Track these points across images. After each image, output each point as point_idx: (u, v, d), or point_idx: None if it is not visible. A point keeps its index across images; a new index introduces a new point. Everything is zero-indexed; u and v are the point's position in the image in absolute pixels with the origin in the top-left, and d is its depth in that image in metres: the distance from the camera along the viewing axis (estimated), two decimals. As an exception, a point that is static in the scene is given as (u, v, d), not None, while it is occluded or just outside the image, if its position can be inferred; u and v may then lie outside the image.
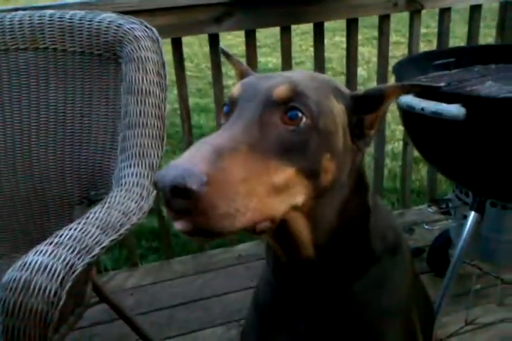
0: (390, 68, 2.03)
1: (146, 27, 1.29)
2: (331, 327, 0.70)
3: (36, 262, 0.78)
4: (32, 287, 0.75)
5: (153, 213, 1.76)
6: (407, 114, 1.28)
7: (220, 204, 0.50)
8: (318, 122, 0.60)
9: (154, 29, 1.29)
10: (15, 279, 0.76)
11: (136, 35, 1.28)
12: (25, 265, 0.78)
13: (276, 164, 0.56)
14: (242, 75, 0.76)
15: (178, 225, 0.52)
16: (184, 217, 0.51)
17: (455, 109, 1.09)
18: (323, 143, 0.60)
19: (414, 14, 2.01)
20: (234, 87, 0.65)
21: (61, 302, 0.76)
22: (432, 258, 1.73)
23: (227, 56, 0.79)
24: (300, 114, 0.59)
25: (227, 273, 1.78)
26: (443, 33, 2.08)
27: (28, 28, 1.30)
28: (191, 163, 0.50)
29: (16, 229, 1.29)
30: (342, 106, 0.65)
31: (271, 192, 0.55)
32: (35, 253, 0.80)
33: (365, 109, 0.66)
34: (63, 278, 0.77)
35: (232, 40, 5.81)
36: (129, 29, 1.28)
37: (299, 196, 0.59)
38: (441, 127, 1.17)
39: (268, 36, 5.74)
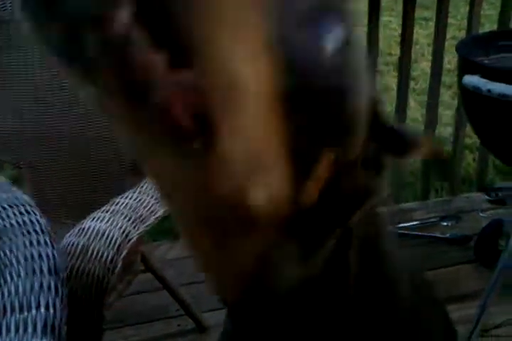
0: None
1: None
2: None
3: (94, 228, 0.78)
4: (90, 252, 0.76)
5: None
6: (470, 96, 1.23)
7: None
8: (352, 81, 0.37)
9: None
10: (73, 244, 0.77)
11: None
12: (83, 231, 0.79)
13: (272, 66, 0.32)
14: None
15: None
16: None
17: (525, 92, 1.04)
18: (338, 120, 0.37)
19: (476, -8, 1.92)
20: None
21: (117, 269, 0.76)
22: (480, 247, 1.68)
23: None
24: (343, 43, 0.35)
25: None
26: (505, 13, 1.98)
27: None
28: None
29: (69, 195, 1.31)
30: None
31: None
32: (93, 219, 0.81)
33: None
34: (120, 245, 0.78)
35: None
36: None
37: (269, 187, 0.35)
38: (507, 110, 1.12)
39: (313, 14, 5.62)
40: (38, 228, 0.60)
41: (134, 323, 1.52)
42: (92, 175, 1.30)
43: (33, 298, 0.48)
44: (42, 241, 0.57)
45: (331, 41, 0.34)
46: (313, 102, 0.35)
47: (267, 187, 0.35)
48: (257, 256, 0.40)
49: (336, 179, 0.39)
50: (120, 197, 0.89)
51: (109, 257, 0.76)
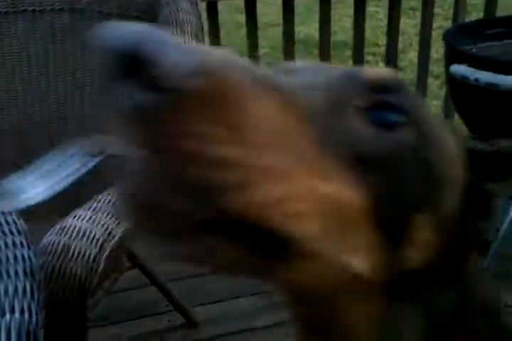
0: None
1: (185, -12, 1.24)
2: None
3: (75, 227, 0.76)
4: (71, 251, 0.73)
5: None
6: (458, 85, 1.22)
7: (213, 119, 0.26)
8: (427, 147, 0.36)
9: (192, -10, 1.24)
10: (54, 243, 0.75)
11: (174, -3, 1.24)
12: (63, 229, 0.77)
13: (333, 165, 0.32)
14: None
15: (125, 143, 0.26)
16: (142, 125, 0.26)
17: (512, 81, 1.03)
18: (423, 186, 0.36)
19: (462, -19, 1.91)
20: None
21: (100, 268, 0.74)
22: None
23: None
24: (398, 118, 0.35)
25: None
26: (491, 2, 1.97)
27: (64, -13, 1.27)
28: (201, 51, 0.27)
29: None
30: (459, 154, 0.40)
31: (315, 201, 0.31)
32: (74, 217, 0.79)
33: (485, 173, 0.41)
34: (102, 243, 0.76)
35: (263, 9, 5.66)
36: (167, -10, 1.23)
37: (363, 257, 0.35)
38: (495, 99, 1.11)
39: (299, 5, 5.57)
40: (14, 229, 0.58)
41: (123, 320, 1.50)
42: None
43: (7, 303, 0.46)
44: (18, 243, 0.55)
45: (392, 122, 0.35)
46: (400, 173, 0.35)
47: (363, 256, 0.35)
48: (373, 323, 0.39)
49: (441, 235, 0.38)
50: (102, 194, 0.87)
51: (92, 256, 0.74)
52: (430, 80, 3.56)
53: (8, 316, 0.44)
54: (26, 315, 0.45)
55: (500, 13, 2.03)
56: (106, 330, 1.45)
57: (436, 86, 3.46)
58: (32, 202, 0.55)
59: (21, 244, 0.55)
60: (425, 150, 0.36)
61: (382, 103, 0.35)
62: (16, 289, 0.47)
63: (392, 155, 0.34)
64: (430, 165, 0.37)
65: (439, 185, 0.38)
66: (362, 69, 0.38)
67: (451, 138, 0.40)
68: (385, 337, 0.40)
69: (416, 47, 2.55)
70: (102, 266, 0.74)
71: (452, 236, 0.39)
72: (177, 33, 1.17)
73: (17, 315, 0.44)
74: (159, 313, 1.52)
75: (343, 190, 0.33)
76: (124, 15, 1.24)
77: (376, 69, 0.38)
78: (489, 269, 1.36)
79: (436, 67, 3.42)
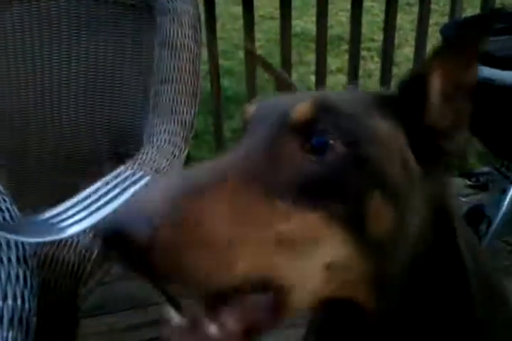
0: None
1: (182, -23, 1.23)
2: None
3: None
4: (64, 239, 0.73)
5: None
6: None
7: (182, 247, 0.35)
8: (359, 149, 0.43)
9: (189, -21, 1.22)
10: (47, 231, 0.74)
11: (171, -14, 1.22)
12: (57, 217, 0.76)
13: (286, 207, 0.40)
14: (280, 88, 0.65)
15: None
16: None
17: (509, 76, 1.03)
18: (367, 177, 0.43)
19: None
20: (249, 106, 0.50)
21: (93, 257, 0.74)
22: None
23: (264, 66, 0.67)
24: (330, 141, 0.42)
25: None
26: (489, -2, 1.97)
27: (60, -27, 1.25)
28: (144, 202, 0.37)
29: (44, 182, 1.27)
30: (393, 121, 0.47)
31: (280, 245, 0.39)
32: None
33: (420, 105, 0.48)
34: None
35: (258, 2, 5.63)
36: (164, -21, 1.22)
37: (330, 251, 0.42)
38: (490, 94, 1.11)
39: (296, -2, 5.54)
40: (7, 216, 0.57)
41: (116, 310, 1.50)
42: (67, 164, 1.27)
43: (-1, 289, 0.45)
44: (11, 229, 0.54)
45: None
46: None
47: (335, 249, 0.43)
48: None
49: (397, 205, 0.46)
50: (96, 183, 0.86)
51: (85, 245, 0.73)
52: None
53: (0, 302, 0.44)
54: (19, 302, 0.44)
55: (496, 9, 2.03)
56: (98, 320, 1.45)
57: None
58: (68, 234, 0.57)
59: (14, 230, 0.54)
60: (360, 149, 0.43)
61: (316, 132, 0.42)
62: (8, 275, 0.47)
63: (334, 168, 0.42)
64: (367, 159, 0.43)
65: (380, 166, 0.44)
66: (289, 108, 0.45)
67: (379, 119, 0.46)
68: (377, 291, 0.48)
69: (412, 42, 2.55)
70: (94, 255, 0.74)
71: (406, 197, 0.46)
72: (174, 22, 1.16)
73: (9, 301, 0.44)
74: (151, 304, 1.52)
75: (302, 219, 0.40)
76: (121, 3, 1.23)
77: (299, 106, 0.44)
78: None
79: (431, 63, 3.40)
